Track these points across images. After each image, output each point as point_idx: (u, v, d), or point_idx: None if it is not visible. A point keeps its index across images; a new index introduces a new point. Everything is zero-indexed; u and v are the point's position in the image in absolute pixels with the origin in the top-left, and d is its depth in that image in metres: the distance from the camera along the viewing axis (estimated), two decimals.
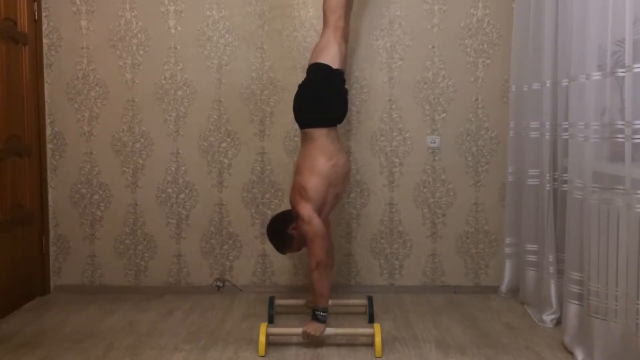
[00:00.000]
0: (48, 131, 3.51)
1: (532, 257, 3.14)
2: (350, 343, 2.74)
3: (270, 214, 3.34)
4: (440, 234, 3.50)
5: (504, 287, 3.41)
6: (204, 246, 3.53)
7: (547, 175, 2.95)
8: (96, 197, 3.52)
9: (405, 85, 3.44)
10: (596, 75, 2.42)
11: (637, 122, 2.19)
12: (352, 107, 3.43)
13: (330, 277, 2.76)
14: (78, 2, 3.44)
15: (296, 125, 2.95)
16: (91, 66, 3.47)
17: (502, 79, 3.42)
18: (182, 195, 3.51)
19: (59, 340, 2.77)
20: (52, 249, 3.55)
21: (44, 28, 3.45)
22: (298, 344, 2.72)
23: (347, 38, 3.01)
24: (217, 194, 3.50)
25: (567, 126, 2.73)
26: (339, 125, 2.94)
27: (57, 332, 2.88)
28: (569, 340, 2.60)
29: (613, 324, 2.31)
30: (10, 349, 2.67)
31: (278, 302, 3.04)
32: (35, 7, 3.37)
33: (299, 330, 2.66)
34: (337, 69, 2.85)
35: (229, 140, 3.47)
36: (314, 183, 2.73)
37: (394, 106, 3.45)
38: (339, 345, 2.72)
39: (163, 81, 3.46)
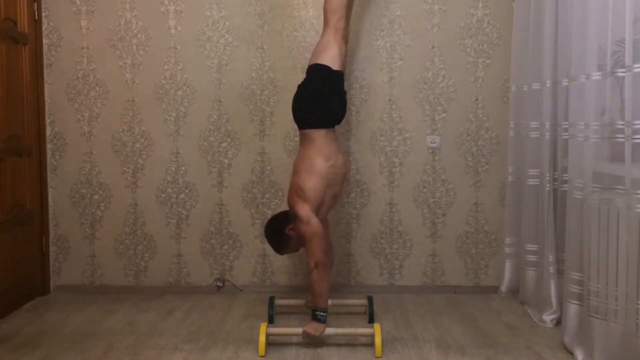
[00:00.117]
0: (48, 131, 3.51)
1: (532, 257, 3.14)
2: (350, 343, 2.74)
3: (270, 214, 3.34)
4: (440, 234, 3.50)
5: (504, 287, 3.41)
6: (204, 246, 3.53)
7: (547, 175, 2.95)
8: (96, 197, 3.52)
9: (405, 85, 3.44)
10: (596, 75, 2.42)
11: (637, 122, 2.19)
12: (352, 107, 3.43)
13: (329, 277, 2.76)
14: (78, 2, 3.45)
15: (296, 126, 2.95)
16: (91, 66, 3.47)
17: (502, 79, 3.42)
18: (182, 195, 3.51)
19: (59, 340, 2.77)
20: (52, 249, 3.55)
21: (44, 28, 3.45)
22: (298, 344, 2.72)
23: (347, 39, 3.01)
24: (217, 194, 3.50)
25: (567, 126, 2.73)
26: (338, 126, 2.94)
27: (57, 332, 2.88)
28: (569, 340, 2.60)
29: (613, 324, 2.31)
30: (10, 349, 2.67)
31: (278, 302, 3.04)
32: (35, 7, 3.37)
33: (299, 330, 2.66)
34: (337, 70, 2.85)
35: (229, 140, 3.48)
36: (311, 183, 2.73)
37: (394, 106, 3.45)
38: (339, 345, 2.72)
39: (163, 81, 3.46)
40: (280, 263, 3.51)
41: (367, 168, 3.47)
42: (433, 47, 3.42)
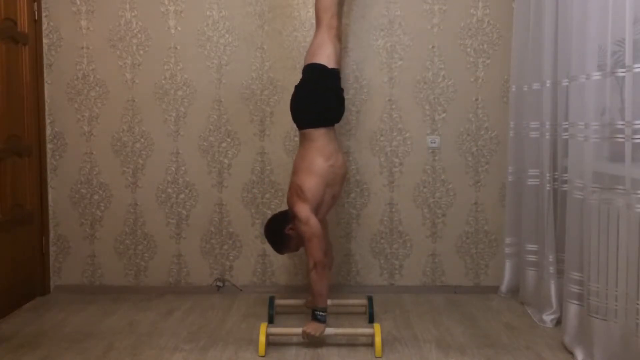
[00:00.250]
0: (48, 131, 3.51)
1: (532, 257, 3.14)
2: (350, 343, 2.74)
3: (270, 214, 3.34)
4: (440, 234, 3.50)
5: (504, 287, 3.41)
6: (204, 246, 3.53)
7: (547, 175, 2.95)
8: (96, 197, 3.52)
9: (405, 85, 3.44)
10: (596, 75, 2.42)
11: (637, 122, 2.19)
12: (352, 107, 3.43)
13: (328, 277, 2.76)
14: (78, 2, 3.45)
15: (296, 126, 2.95)
16: (91, 66, 3.47)
17: (502, 79, 3.42)
18: (182, 195, 3.51)
19: (59, 340, 2.77)
20: (52, 249, 3.55)
21: (44, 28, 3.45)
22: (298, 344, 2.72)
23: (341, 36, 3.01)
24: (217, 194, 3.50)
25: (567, 126, 2.73)
26: (338, 126, 2.94)
27: (57, 332, 2.88)
28: (569, 340, 2.60)
29: (613, 324, 2.31)
30: (10, 349, 2.67)
31: (278, 302, 3.04)
32: (35, 7, 3.37)
33: (299, 330, 2.66)
34: (332, 68, 2.85)
35: (229, 140, 3.48)
36: (310, 183, 2.73)
37: (394, 106, 3.45)
38: (339, 345, 2.72)
39: (163, 81, 3.46)
40: (280, 263, 3.51)
41: (367, 168, 3.47)
42: (433, 47, 3.42)
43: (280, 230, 2.78)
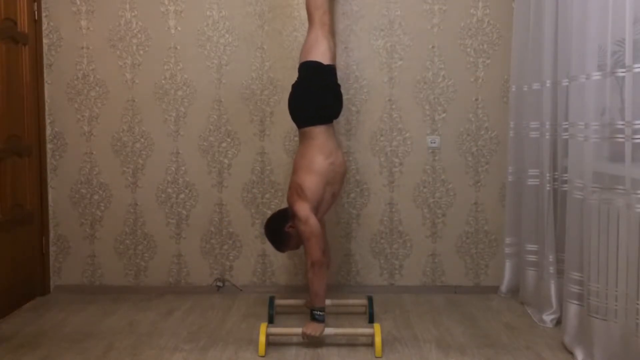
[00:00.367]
0: (48, 131, 3.51)
1: (532, 257, 3.14)
2: (350, 343, 2.74)
3: (270, 214, 3.34)
4: (440, 234, 3.50)
5: (504, 287, 3.41)
6: (204, 246, 3.53)
7: (547, 175, 2.95)
8: (96, 197, 3.52)
9: (405, 85, 3.44)
10: (596, 75, 2.42)
11: (637, 122, 2.19)
12: (352, 107, 3.43)
13: (326, 276, 2.75)
14: (78, 2, 3.45)
15: (295, 125, 2.95)
16: (91, 66, 3.47)
17: (502, 79, 3.42)
18: (182, 195, 3.51)
19: (59, 340, 2.77)
20: (52, 249, 3.55)
21: (44, 28, 3.45)
22: (298, 344, 2.72)
23: (334, 32, 3.02)
24: (217, 194, 3.50)
25: (567, 126, 2.73)
26: (338, 125, 2.94)
27: (57, 332, 2.88)
28: (569, 340, 2.60)
29: (613, 324, 2.31)
30: (10, 349, 2.67)
31: (278, 302, 3.04)
32: (35, 7, 3.37)
33: (299, 330, 2.66)
34: (328, 65, 2.86)
35: (229, 140, 3.48)
36: (311, 182, 2.74)
37: (394, 106, 3.45)
38: (339, 345, 2.72)
39: (163, 81, 3.46)
40: (280, 263, 3.51)
41: (367, 168, 3.47)
42: (433, 47, 3.42)
43: (280, 229, 2.79)
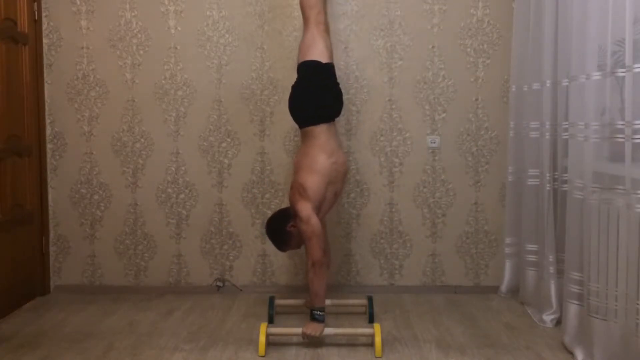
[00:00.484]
0: (48, 131, 3.51)
1: (532, 257, 3.14)
2: (350, 343, 2.74)
3: (270, 214, 3.34)
4: (440, 234, 3.50)
5: (504, 287, 3.41)
6: (204, 246, 3.53)
7: (547, 175, 2.95)
8: (96, 197, 3.52)
9: (405, 85, 3.44)
10: (596, 75, 2.42)
11: (637, 122, 2.19)
12: (352, 107, 3.43)
13: (326, 276, 2.75)
14: (78, 2, 3.45)
15: (296, 125, 2.95)
16: (91, 66, 3.47)
17: (502, 79, 3.42)
18: (182, 195, 3.51)
19: (59, 340, 2.77)
20: (52, 249, 3.55)
21: (44, 28, 3.45)
22: (298, 344, 2.72)
23: (329, 30, 3.02)
24: (217, 194, 3.50)
25: (567, 126, 2.73)
26: (339, 125, 2.94)
27: (57, 332, 2.88)
28: (569, 340, 2.60)
29: (613, 324, 2.31)
30: (10, 349, 2.67)
31: (278, 302, 3.04)
32: (35, 7, 3.37)
33: (299, 330, 2.66)
34: (326, 63, 2.86)
35: (229, 140, 3.48)
36: (313, 182, 2.73)
37: (394, 106, 3.45)
38: (339, 345, 2.72)
39: (163, 81, 3.46)
40: (280, 263, 3.51)
41: (367, 168, 3.47)
42: (433, 47, 3.42)
43: (281, 228, 2.79)
